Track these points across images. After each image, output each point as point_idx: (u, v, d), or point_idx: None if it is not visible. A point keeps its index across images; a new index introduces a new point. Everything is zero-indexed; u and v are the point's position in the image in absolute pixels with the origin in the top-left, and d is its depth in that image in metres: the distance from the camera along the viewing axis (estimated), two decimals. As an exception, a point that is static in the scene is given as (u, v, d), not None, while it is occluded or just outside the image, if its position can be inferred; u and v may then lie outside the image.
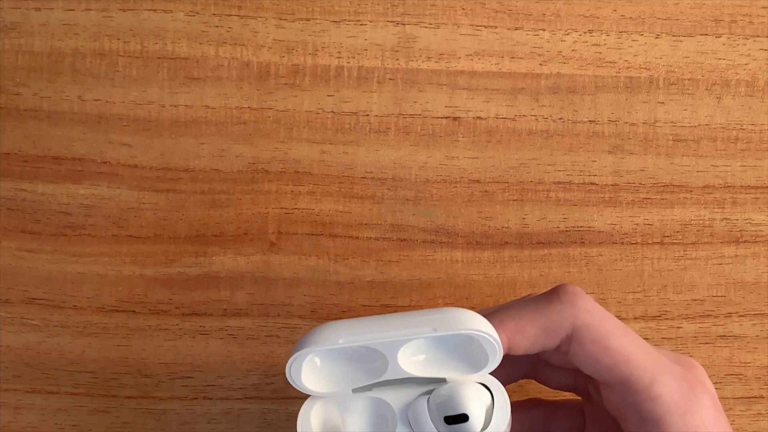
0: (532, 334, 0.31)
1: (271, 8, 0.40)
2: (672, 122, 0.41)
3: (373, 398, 0.32)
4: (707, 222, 0.41)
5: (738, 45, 0.41)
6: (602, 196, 0.41)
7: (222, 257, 0.40)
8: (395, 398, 0.32)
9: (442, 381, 0.32)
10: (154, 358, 0.40)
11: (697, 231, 0.41)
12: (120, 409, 0.40)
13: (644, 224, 0.41)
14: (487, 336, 0.30)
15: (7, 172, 0.40)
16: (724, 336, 0.41)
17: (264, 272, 0.40)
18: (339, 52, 0.40)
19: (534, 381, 0.36)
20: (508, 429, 0.32)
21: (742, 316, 0.41)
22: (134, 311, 0.40)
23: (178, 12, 0.40)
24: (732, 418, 0.41)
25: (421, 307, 0.40)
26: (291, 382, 0.31)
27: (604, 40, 0.41)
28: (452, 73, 0.41)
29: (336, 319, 0.36)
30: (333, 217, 0.40)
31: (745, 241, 0.41)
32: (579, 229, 0.41)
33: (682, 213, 0.41)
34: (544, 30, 0.41)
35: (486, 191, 0.41)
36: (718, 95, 0.41)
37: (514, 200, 0.41)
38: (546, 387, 0.36)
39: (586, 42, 0.41)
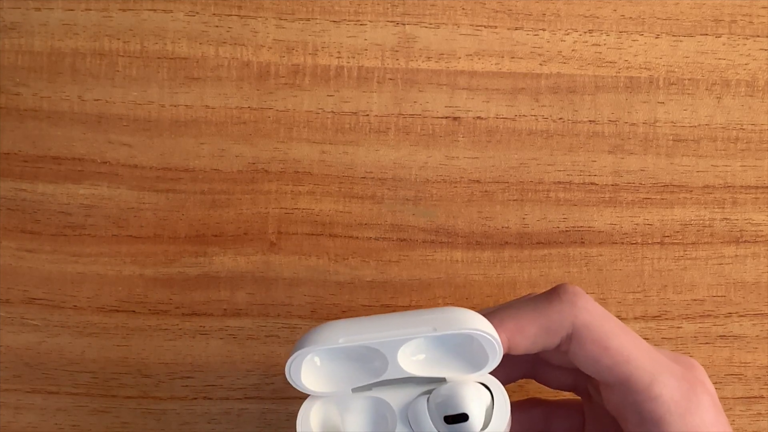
0: (532, 333, 0.31)
1: (271, 8, 0.40)
2: (672, 122, 0.41)
3: (372, 398, 0.32)
4: (707, 222, 0.41)
5: (738, 45, 0.41)
6: (602, 196, 0.41)
7: (222, 257, 0.40)
8: (395, 398, 0.32)
9: (441, 380, 0.32)
10: (154, 358, 0.40)
11: (697, 231, 0.41)
12: (120, 409, 0.40)
13: (644, 224, 0.41)
14: (487, 335, 0.30)
15: (7, 172, 0.40)
16: (724, 336, 0.41)
17: (264, 272, 0.40)
18: (339, 52, 0.40)
19: (534, 381, 0.36)
20: (508, 429, 0.32)
21: (742, 316, 0.41)
22: (134, 311, 0.40)
23: (178, 12, 0.40)
24: (732, 418, 0.41)
25: (421, 307, 0.40)
26: (290, 382, 0.31)
27: (604, 40, 0.41)
28: (452, 73, 0.41)
29: (336, 319, 0.36)
30: (333, 217, 0.40)
31: (745, 241, 0.41)
32: (579, 229, 0.41)
33: (682, 213, 0.41)
34: (544, 30, 0.41)
35: (486, 191, 0.41)
36: (718, 95, 0.41)
37: (514, 200, 0.41)
38: (546, 387, 0.36)
39: (586, 42, 0.41)
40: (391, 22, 0.40)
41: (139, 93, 0.40)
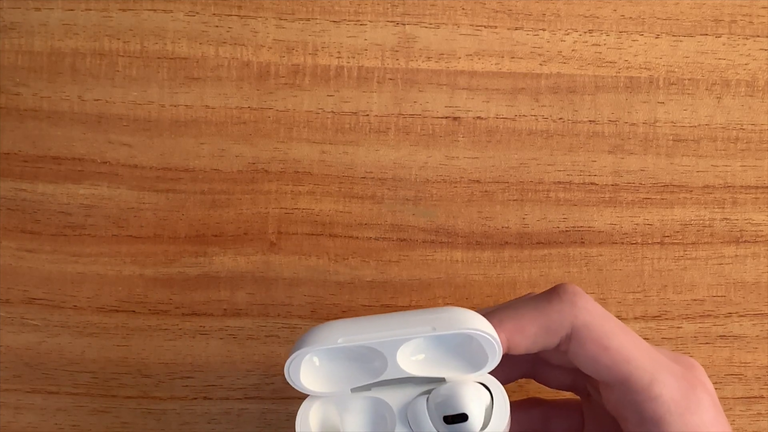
0: (532, 333, 0.31)
1: (271, 8, 0.40)
2: (672, 122, 0.41)
3: (372, 398, 0.32)
4: (707, 222, 0.41)
5: (738, 45, 0.41)
6: (602, 196, 0.41)
7: (222, 257, 0.40)
8: (394, 398, 0.32)
9: (441, 380, 0.32)
10: (154, 358, 0.40)
11: (697, 231, 0.41)
12: (120, 409, 0.40)
13: (644, 224, 0.41)
14: (487, 335, 0.30)
15: (7, 172, 0.40)
16: (724, 336, 0.41)
17: (264, 272, 0.40)
18: (339, 52, 0.40)
19: (533, 381, 0.36)
20: (508, 428, 0.32)
21: (742, 316, 0.41)
22: (134, 311, 0.40)
23: (178, 12, 0.40)
24: (732, 418, 0.40)
25: (421, 307, 0.40)
26: (290, 382, 0.31)
27: (604, 40, 0.41)
28: (452, 73, 0.41)
29: (336, 319, 0.36)
30: (333, 217, 0.40)
31: (745, 241, 0.41)
32: (579, 229, 0.41)
33: (682, 213, 0.41)
34: (544, 30, 0.41)
35: (486, 191, 0.41)
36: (718, 95, 0.41)
37: (514, 200, 0.41)
38: (545, 386, 0.36)
39: (586, 42, 0.41)
40: (391, 22, 0.40)
41: (139, 93, 0.40)
